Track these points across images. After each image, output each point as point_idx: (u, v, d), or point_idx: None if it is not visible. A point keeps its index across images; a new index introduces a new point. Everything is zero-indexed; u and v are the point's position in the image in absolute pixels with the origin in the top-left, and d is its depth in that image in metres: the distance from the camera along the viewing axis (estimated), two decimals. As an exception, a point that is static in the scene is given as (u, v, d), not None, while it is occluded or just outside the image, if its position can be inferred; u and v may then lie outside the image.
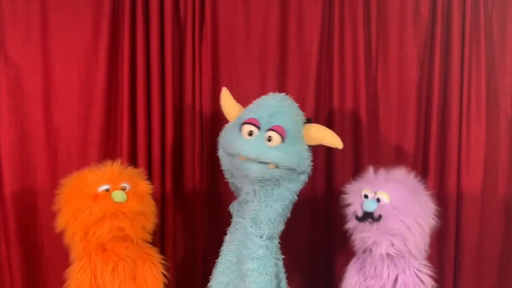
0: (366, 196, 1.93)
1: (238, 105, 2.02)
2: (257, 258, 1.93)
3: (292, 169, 1.86)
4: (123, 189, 1.91)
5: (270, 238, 1.96)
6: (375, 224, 1.89)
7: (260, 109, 1.90)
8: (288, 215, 2.01)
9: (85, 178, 1.95)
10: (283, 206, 1.95)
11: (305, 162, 1.91)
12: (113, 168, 1.99)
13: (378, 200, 1.90)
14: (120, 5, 2.33)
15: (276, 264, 2.00)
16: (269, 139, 1.81)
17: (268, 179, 1.86)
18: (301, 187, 1.97)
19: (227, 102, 2.02)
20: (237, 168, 1.91)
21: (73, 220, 1.86)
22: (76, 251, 1.93)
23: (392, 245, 1.88)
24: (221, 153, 1.98)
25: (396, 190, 1.91)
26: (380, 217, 1.88)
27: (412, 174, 2.02)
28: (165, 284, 2.08)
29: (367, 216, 1.90)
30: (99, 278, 1.92)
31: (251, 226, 1.95)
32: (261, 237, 1.94)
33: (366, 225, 1.91)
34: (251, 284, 1.93)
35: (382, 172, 2.00)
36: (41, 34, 2.29)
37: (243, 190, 1.99)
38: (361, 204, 1.92)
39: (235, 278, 2.02)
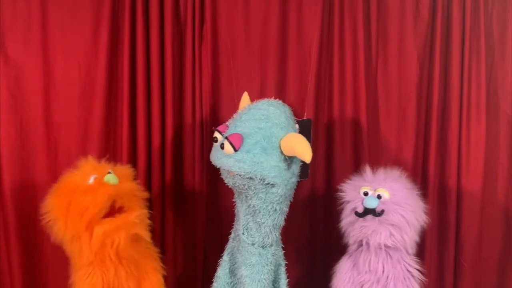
0: (365, 194, 1.97)
1: None
2: (250, 265, 1.94)
3: (250, 178, 1.78)
4: (110, 173, 1.88)
5: (262, 246, 1.93)
6: (376, 217, 1.93)
7: (237, 115, 1.90)
8: (282, 224, 1.97)
9: (69, 182, 1.88)
10: (266, 216, 1.88)
11: (269, 173, 1.76)
12: (90, 162, 1.96)
13: (378, 196, 1.95)
14: (120, 5, 2.33)
15: (271, 271, 1.97)
16: (222, 147, 1.80)
17: (237, 186, 1.86)
18: (278, 199, 1.84)
19: None
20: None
21: (81, 222, 1.78)
22: (85, 257, 1.84)
23: (391, 235, 1.92)
24: None
25: (395, 187, 1.97)
26: (382, 211, 1.92)
27: (404, 175, 2.07)
28: (165, 282, 2.08)
29: (368, 212, 1.94)
30: (113, 282, 1.88)
31: (243, 233, 1.94)
32: (252, 244, 1.93)
33: (367, 217, 1.94)
34: None
35: (379, 171, 2.05)
36: (41, 34, 2.29)
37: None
38: (362, 201, 1.96)
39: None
